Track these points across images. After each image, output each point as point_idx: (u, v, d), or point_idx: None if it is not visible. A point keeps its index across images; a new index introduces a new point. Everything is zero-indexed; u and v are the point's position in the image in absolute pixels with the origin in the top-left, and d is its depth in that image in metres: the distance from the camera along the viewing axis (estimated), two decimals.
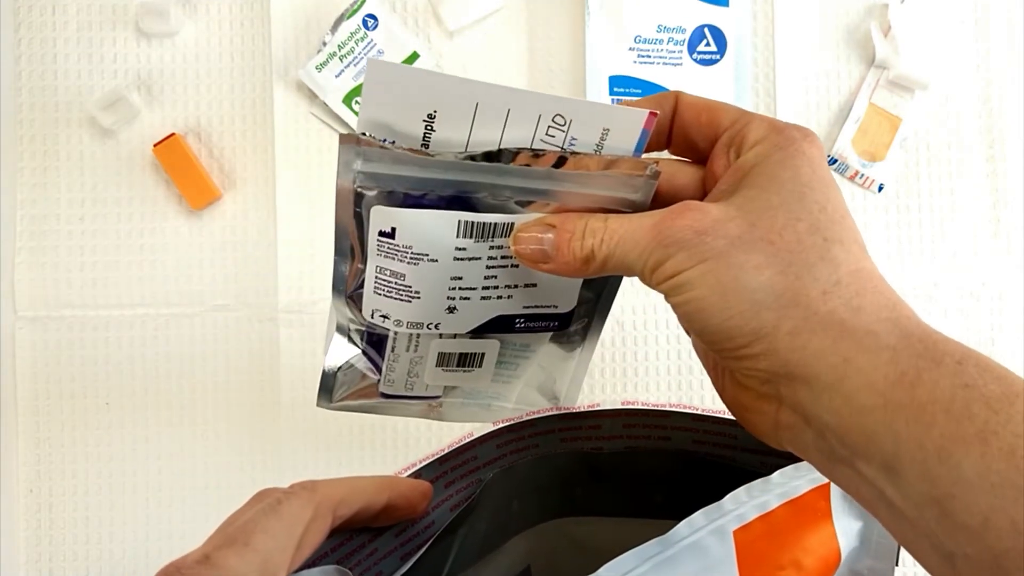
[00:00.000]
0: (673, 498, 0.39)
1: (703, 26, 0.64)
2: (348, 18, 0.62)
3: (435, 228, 0.30)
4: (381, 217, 0.31)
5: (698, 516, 0.34)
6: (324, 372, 0.37)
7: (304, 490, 0.30)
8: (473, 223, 0.31)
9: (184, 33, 0.64)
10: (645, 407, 0.41)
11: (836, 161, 0.65)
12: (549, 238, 0.30)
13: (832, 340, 0.25)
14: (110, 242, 0.63)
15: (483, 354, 0.36)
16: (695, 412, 0.41)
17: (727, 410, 0.42)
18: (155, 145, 0.62)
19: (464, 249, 0.31)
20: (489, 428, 0.39)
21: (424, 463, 0.38)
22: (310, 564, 0.31)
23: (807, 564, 0.37)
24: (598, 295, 0.36)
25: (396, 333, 0.34)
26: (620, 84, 0.63)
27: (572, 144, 0.30)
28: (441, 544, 0.37)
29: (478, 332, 0.35)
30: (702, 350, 0.33)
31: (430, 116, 0.28)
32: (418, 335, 0.35)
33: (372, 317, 0.34)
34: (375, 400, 0.38)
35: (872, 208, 0.65)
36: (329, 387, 0.37)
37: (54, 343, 0.63)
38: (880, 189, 0.65)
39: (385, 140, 0.29)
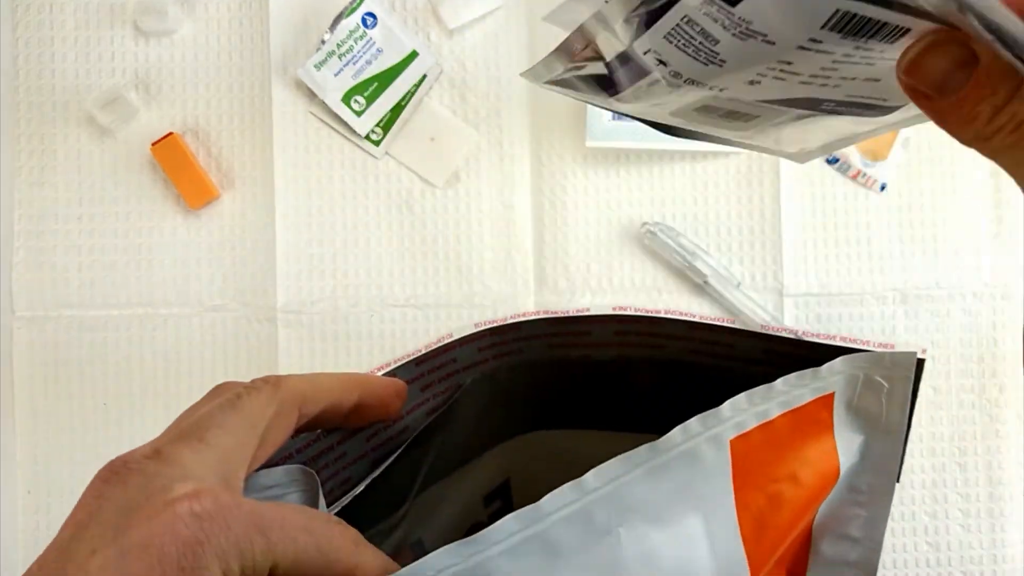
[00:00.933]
0: (664, 412, 0.37)
1: None
2: (347, 16, 0.62)
3: (797, 8, 0.21)
4: None
5: (694, 423, 0.32)
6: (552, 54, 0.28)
7: (267, 384, 0.28)
8: (854, 16, 0.21)
9: (182, 31, 0.64)
10: (637, 313, 0.38)
11: (838, 160, 0.65)
12: (960, 77, 0.21)
13: None
14: (108, 242, 0.63)
15: (759, 116, 0.28)
16: (691, 319, 0.38)
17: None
18: (153, 144, 0.62)
19: (820, 42, 0.22)
20: (471, 330, 0.36)
21: (399, 363, 0.35)
22: (274, 464, 0.29)
23: (804, 477, 0.36)
24: None
25: (663, 78, 0.26)
26: None
27: None
28: (415, 451, 0.35)
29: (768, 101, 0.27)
30: None
31: None
32: (691, 86, 0.26)
33: (644, 54, 0.25)
34: (595, 96, 0.29)
35: (874, 208, 0.65)
36: (549, 73, 0.28)
37: (52, 343, 0.63)
38: (883, 188, 0.65)
39: None
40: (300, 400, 0.28)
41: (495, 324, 0.37)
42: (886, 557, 0.63)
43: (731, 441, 0.33)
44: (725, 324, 0.38)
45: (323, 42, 0.62)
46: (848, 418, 0.37)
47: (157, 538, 0.22)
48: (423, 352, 0.35)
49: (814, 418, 0.36)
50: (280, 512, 0.24)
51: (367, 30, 0.62)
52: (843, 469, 0.37)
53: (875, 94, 0.26)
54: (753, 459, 0.34)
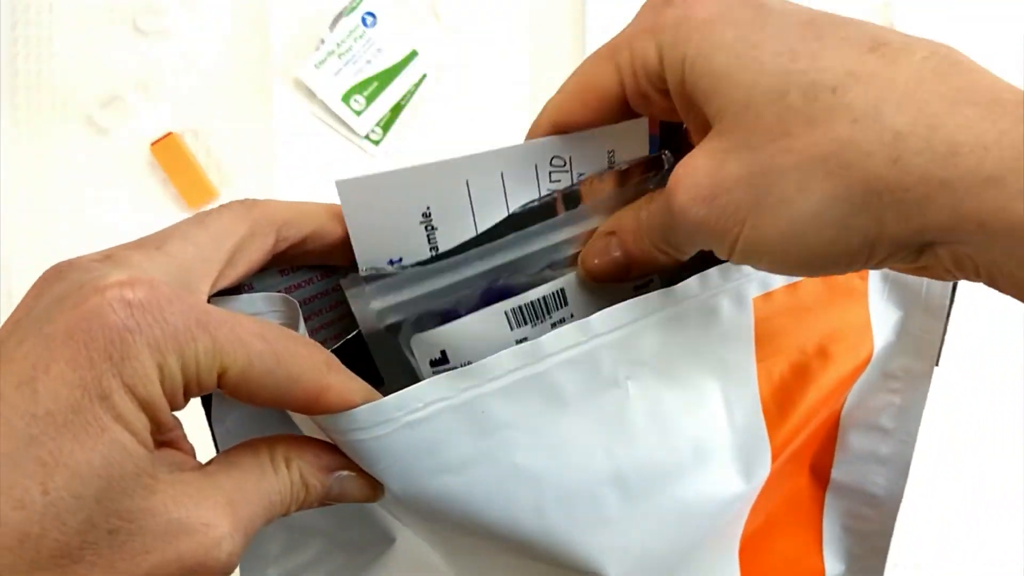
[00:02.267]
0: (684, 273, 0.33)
1: None
2: (347, 15, 0.62)
3: (485, 330, 0.27)
4: (426, 346, 0.27)
5: (714, 273, 0.29)
6: None
7: (240, 204, 0.26)
8: (521, 306, 0.28)
9: (182, 31, 0.64)
10: None
11: None
12: (615, 243, 0.27)
13: (961, 196, 0.20)
14: (107, 242, 0.62)
15: None
16: None
17: None
18: (153, 144, 0.62)
19: (525, 339, 0.28)
20: None
21: None
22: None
23: (835, 353, 0.32)
24: None
25: None
26: None
27: (580, 178, 0.27)
28: None
29: None
30: None
31: (426, 215, 0.26)
32: None
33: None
34: None
35: None
36: None
37: None
38: None
39: (391, 261, 0.26)
40: (278, 222, 0.26)
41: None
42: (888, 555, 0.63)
43: (754, 300, 0.30)
44: None
45: (323, 41, 0.62)
46: (885, 289, 0.33)
47: (83, 324, 0.20)
48: None
49: (847, 285, 0.32)
50: (233, 316, 0.22)
51: (367, 29, 0.62)
52: (877, 349, 0.33)
53: None
54: (779, 324, 0.31)
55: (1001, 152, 0.19)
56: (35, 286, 0.23)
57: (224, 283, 0.25)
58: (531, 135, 0.28)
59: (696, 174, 0.23)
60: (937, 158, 0.20)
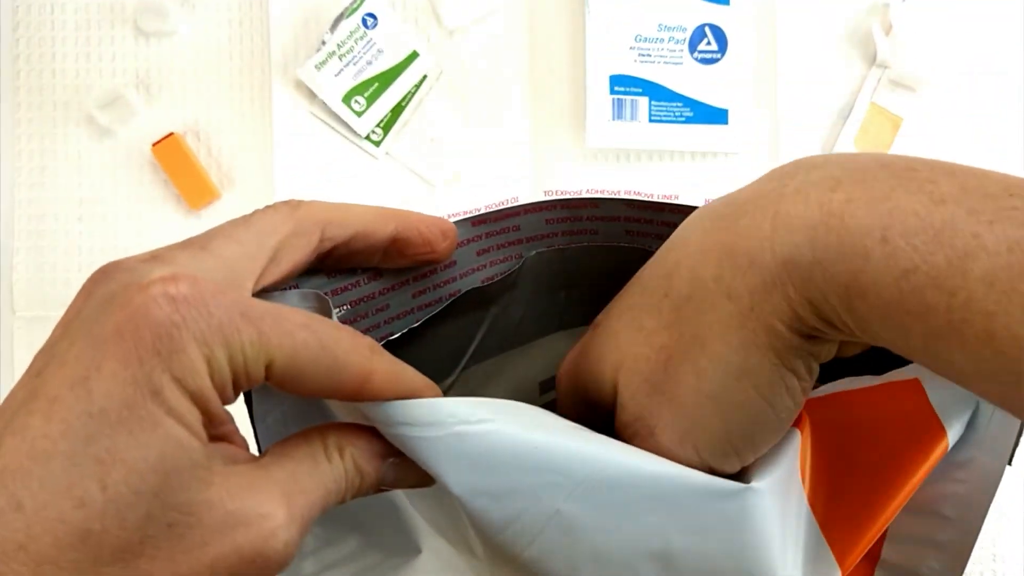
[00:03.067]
0: None
1: (704, 25, 0.63)
2: (347, 17, 0.62)
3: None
4: None
5: None
6: None
7: (284, 204, 0.26)
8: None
9: (183, 32, 0.64)
10: None
11: None
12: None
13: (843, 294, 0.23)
14: (108, 242, 0.63)
15: None
16: None
17: None
18: (154, 144, 0.62)
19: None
20: (540, 197, 0.32)
21: (454, 219, 0.31)
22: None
23: (895, 454, 0.30)
24: None
25: None
26: (621, 83, 0.63)
27: None
28: (465, 318, 0.32)
29: None
30: None
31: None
32: None
33: None
34: None
35: None
36: None
37: None
38: None
39: None
40: (322, 221, 0.26)
41: (568, 196, 0.33)
42: None
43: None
44: None
45: (323, 42, 0.62)
46: (947, 386, 0.31)
47: (130, 322, 0.20)
48: (483, 212, 0.32)
49: (895, 392, 0.31)
50: (276, 307, 0.22)
51: (367, 30, 0.62)
52: (951, 441, 0.31)
53: None
54: (815, 434, 0.30)
55: (772, 244, 0.24)
56: (84, 288, 0.24)
57: (268, 280, 0.25)
58: None
59: (651, 434, 0.27)
60: (739, 273, 0.24)
